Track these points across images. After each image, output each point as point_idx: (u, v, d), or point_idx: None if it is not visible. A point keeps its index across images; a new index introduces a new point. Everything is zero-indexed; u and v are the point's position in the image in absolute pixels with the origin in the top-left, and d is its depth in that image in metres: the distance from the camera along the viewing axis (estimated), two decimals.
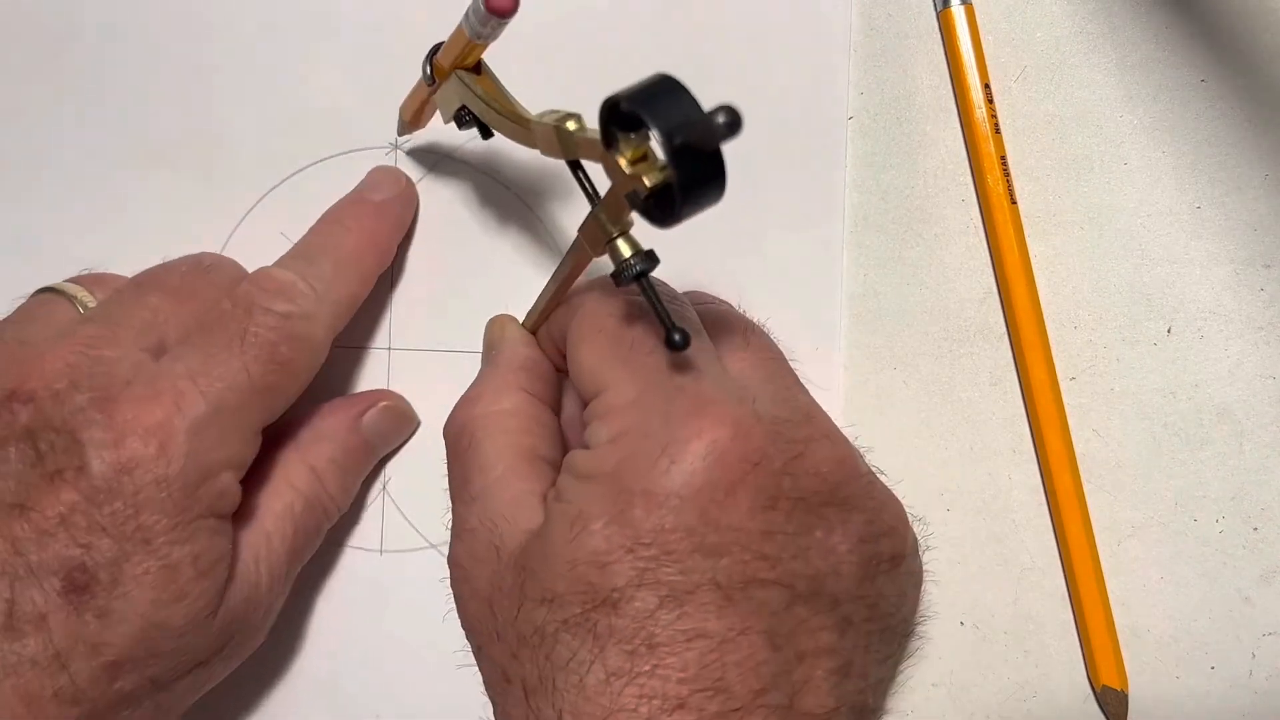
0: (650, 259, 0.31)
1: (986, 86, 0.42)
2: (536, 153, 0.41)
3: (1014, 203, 0.41)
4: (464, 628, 0.34)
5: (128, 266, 0.42)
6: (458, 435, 0.36)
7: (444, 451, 0.40)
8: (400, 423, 0.41)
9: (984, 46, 0.42)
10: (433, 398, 0.42)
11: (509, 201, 0.42)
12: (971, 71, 0.42)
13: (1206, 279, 0.41)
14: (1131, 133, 0.42)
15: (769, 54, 0.42)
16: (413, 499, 0.42)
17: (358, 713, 0.41)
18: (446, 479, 0.37)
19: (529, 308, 0.39)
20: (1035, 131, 0.42)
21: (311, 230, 0.40)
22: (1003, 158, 0.41)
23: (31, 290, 0.39)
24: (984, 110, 0.42)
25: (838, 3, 0.42)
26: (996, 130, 0.42)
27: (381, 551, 0.41)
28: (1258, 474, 0.40)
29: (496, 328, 0.40)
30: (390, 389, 0.42)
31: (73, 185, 0.43)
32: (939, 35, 0.43)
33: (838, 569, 0.31)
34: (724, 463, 0.30)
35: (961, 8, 0.42)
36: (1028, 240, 0.41)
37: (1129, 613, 0.40)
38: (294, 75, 0.43)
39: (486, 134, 0.37)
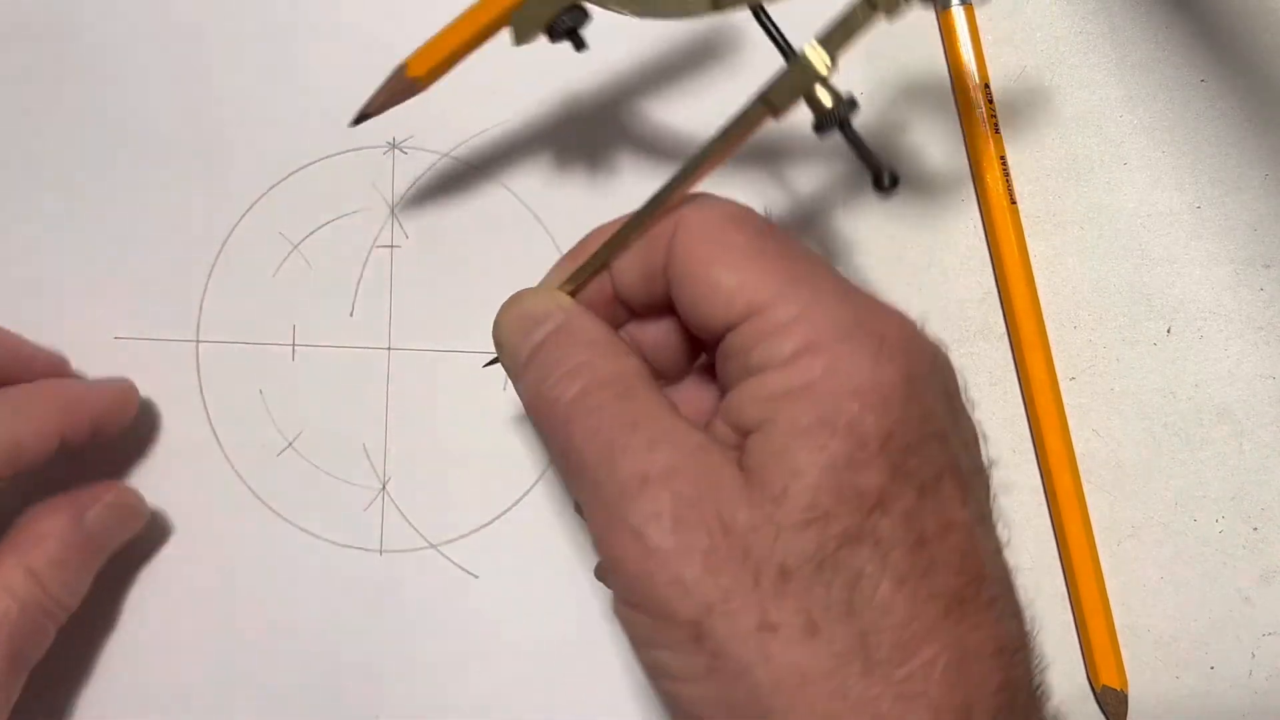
0: (854, 102, 0.30)
1: (986, 86, 0.42)
2: (536, 150, 0.41)
3: (1014, 203, 0.41)
4: (652, 613, 0.29)
5: (127, 267, 0.42)
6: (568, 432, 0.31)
7: (442, 454, 0.41)
8: (127, 516, 0.40)
9: (984, 46, 0.42)
10: (433, 397, 0.42)
11: (508, 201, 0.42)
12: (972, 71, 0.42)
13: (1206, 279, 0.41)
14: (1131, 133, 0.42)
15: (769, 53, 0.42)
16: (412, 500, 0.41)
17: (357, 714, 0.41)
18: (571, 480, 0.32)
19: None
20: (1035, 131, 0.42)
21: None
22: (1002, 157, 0.42)
23: (29, 293, 0.39)
24: (984, 110, 0.42)
25: (839, 3, 0.42)
26: (996, 130, 0.42)
27: (381, 552, 0.41)
28: (1258, 474, 0.40)
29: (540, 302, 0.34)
30: (116, 481, 0.41)
31: (72, 185, 0.43)
32: (939, 35, 0.43)
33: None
34: (921, 353, 0.30)
35: (961, 8, 0.42)
36: (1028, 240, 0.41)
37: (1129, 613, 0.40)
38: (292, 75, 0.43)
39: (581, 44, 0.35)
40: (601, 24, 0.34)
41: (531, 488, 0.41)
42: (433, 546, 0.41)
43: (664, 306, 0.33)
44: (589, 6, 0.34)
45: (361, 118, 0.38)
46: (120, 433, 0.40)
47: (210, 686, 0.41)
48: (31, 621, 0.37)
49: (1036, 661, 0.30)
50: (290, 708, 0.41)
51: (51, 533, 0.38)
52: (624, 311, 0.34)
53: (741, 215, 0.31)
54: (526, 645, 0.41)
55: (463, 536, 0.41)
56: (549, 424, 0.31)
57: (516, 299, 0.34)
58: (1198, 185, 0.42)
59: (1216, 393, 0.41)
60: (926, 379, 0.29)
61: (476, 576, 0.41)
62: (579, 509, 0.36)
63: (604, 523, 0.29)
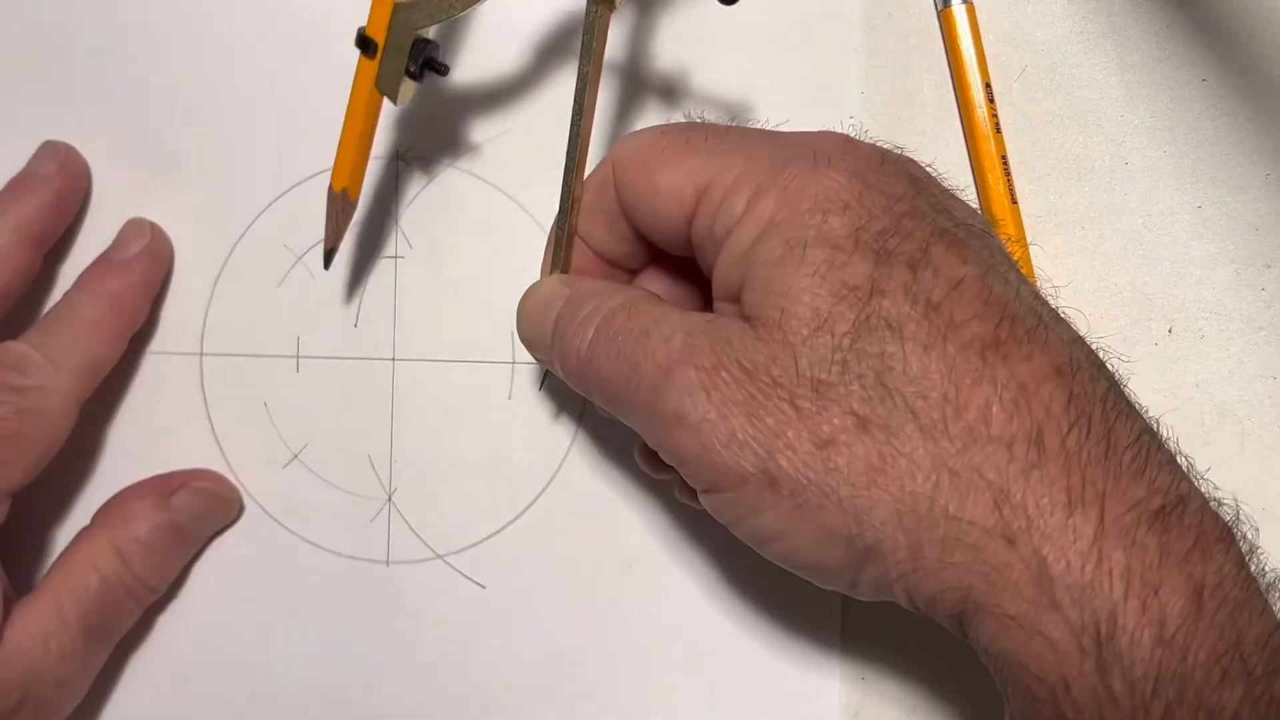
0: None
1: (987, 86, 0.42)
2: (540, 159, 0.41)
3: (1014, 202, 0.41)
4: (726, 484, 0.30)
5: None
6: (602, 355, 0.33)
7: (448, 464, 0.41)
8: (215, 504, 0.41)
9: (985, 46, 0.42)
10: (438, 408, 0.42)
11: (512, 211, 0.42)
12: (972, 71, 0.42)
13: (1208, 279, 0.41)
14: (1132, 132, 0.42)
15: (770, 54, 0.42)
16: (418, 510, 0.42)
17: None
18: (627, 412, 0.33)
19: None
20: (1036, 131, 0.42)
21: (61, 300, 0.40)
22: (1003, 157, 0.41)
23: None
24: (985, 110, 0.41)
25: (839, 3, 0.42)
26: (997, 130, 0.41)
27: (388, 563, 0.42)
28: (1258, 474, 0.40)
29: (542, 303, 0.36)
30: (212, 470, 0.42)
31: None
32: (940, 35, 0.42)
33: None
34: (863, 153, 0.31)
35: (962, 7, 0.42)
36: (1029, 240, 0.41)
37: None
38: (296, 86, 0.43)
39: (444, 70, 0.37)
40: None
41: (538, 497, 0.42)
42: (439, 557, 0.42)
43: (644, 252, 0.36)
44: (429, 33, 0.36)
45: (330, 254, 0.40)
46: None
47: (218, 699, 0.41)
48: (112, 597, 0.39)
49: (1109, 373, 0.30)
50: (298, 717, 0.41)
51: (140, 514, 0.39)
52: (619, 273, 0.37)
53: (663, 128, 0.34)
54: (534, 655, 0.41)
55: (469, 547, 0.42)
56: (583, 378, 0.34)
57: (526, 296, 0.37)
58: (1199, 185, 0.41)
59: (1217, 392, 0.41)
60: (878, 171, 0.31)
61: (484, 587, 0.41)
62: (643, 451, 0.37)
63: (654, 427, 0.31)
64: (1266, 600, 0.27)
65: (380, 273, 0.43)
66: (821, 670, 0.41)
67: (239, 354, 0.42)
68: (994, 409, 0.28)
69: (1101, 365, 0.30)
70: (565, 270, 0.37)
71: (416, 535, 0.42)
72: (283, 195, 0.43)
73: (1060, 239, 0.42)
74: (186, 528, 0.40)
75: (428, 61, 0.36)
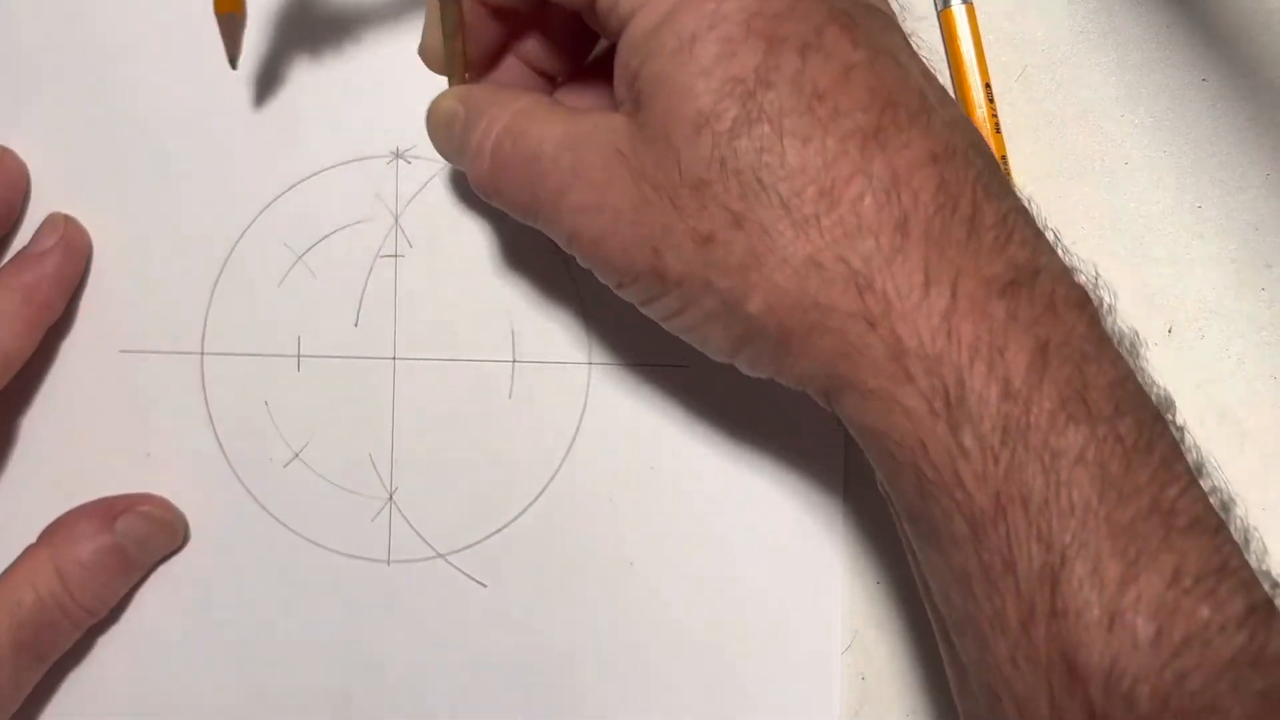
0: None
1: (987, 86, 0.42)
2: None
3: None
4: (628, 279, 0.33)
5: (129, 280, 0.42)
6: (502, 152, 0.35)
7: (449, 463, 0.41)
8: (159, 529, 0.41)
9: (985, 46, 0.42)
10: (439, 407, 0.42)
11: None
12: (972, 71, 0.42)
13: (1208, 279, 0.41)
14: (1132, 132, 0.42)
15: None
16: (419, 509, 0.42)
17: None
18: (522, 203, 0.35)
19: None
20: (1036, 131, 0.42)
21: None
22: (1003, 157, 0.42)
23: None
24: (985, 110, 0.42)
25: None
26: (997, 130, 0.42)
27: (389, 562, 0.42)
28: (1258, 474, 0.41)
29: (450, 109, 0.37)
30: (157, 495, 0.42)
31: (74, 199, 0.43)
32: (940, 35, 0.42)
33: None
34: None
35: (962, 7, 0.42)
36: None
37: None
38: (296, 85, 0.43)
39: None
40: None
41: (539, 496, 0.42)
42: (441, 556, 0.42)
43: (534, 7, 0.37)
44: None
45: (233, 60, 0.40)
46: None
47: (219, 699, 0.41)
48: (47, 616, 0.38)
49: (986, 154, 0.31)
50: (299, 718, 0.41)
51: (83, 535, 0.39)
52: (509, 25, 0.37)
53: None
54: (535, 653, 0.41)
55: (471, 546, 0.42)
56: (490, 198, 0.36)
57: (428, 113, 0.38)
58: (1199, 185, 0.41)
59: (1217, 393, 0.41)
60: None
61: (485, 585, 0.41)
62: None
63: (557, 238, 0.34)
64: (1120, 354, 0.30)
65: (380, 271, 0.42)
66: (821, 670, 0.41)
67: (240, 353, 0.42)
68: (866, 201, 0.29)
69: (979, 146, 0.31)
70: (460, 73, 0.38)
71: (418, 534, 0.42)
72: (282, 194, 0.43)
73: (1060, 239, 0.42)
74: (129, 552, 0.40)
75: None
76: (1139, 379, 0.30)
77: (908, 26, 0.42)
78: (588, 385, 0.42)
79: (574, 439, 0.42)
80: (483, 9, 0.36)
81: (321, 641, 0.41)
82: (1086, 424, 0.27)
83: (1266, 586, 0.28)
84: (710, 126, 0.30)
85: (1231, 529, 0.28)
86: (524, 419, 0.42)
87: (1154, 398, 0.30)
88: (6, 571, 0.39)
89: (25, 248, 0.41)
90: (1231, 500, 0.30)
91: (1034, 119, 0.42)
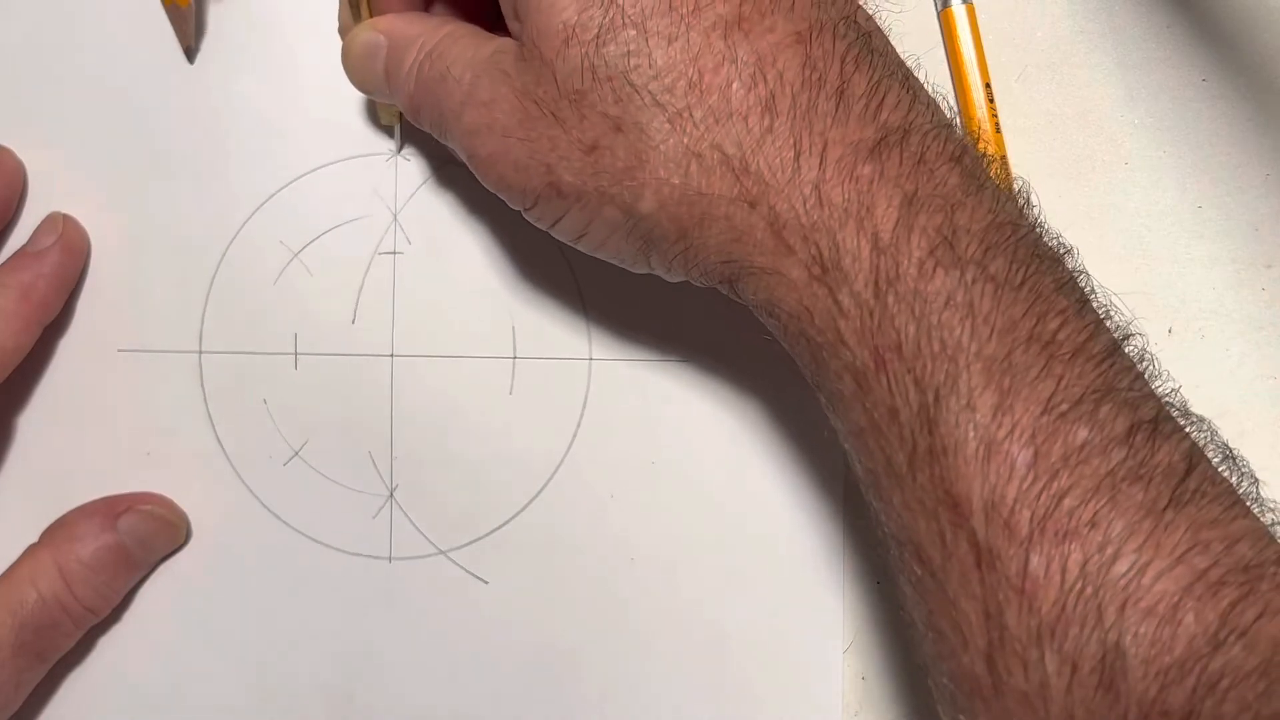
0: None
1: (987, 86, 0.42)
2: None
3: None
4: (530, 199, 0.34)
5: (127, 279, 0.42)
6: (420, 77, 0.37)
7: (449, 460, 0.41)
8: (162, 528, 0.41)
9: (985, 46, 0.42)
10: (438, 404, 0.42)
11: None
12: (972, 71, 0.42)
13: (1208, 279, 0.41)
14: (1132, 132, 0.42)
15: None
16: (420, 506, 0.42)
17: None
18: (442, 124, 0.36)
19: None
20: (1036, 131, 0.42)
21: None
22: (1003, 157, 0.42)
23: None
24: (985, 110, 0.42)
25: None
26: (997, 130, 0.42)
27: (390, 559, 0.41)
28: (1258, 474, 0.41)
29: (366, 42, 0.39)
30: (158, 494, 0.42)
31: (72, 195, 0.42)
32: (940, 35, 0.42)
33: None
34: None
35: (962, 7, 0.42)
36: None
37: None
38: (292, 82, 0.43)
39: None
40: None
41: (540, 492, 0.42)
42: (442, 553, 0.42)
43: None
44: None
45: (189, 51, 0.42)
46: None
47: (221, 696, 0.41)
48: (49, 616, 0.38)
49: (858, 29, 0.32)
50: (302, 715, 0.41)
51: (85, 534, 0.39)
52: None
53: None
54: (537, 650, 0.41)
55: (472, 542, 0.42)
56: (414, 119, 0.37)
57: (345, 49, 0.39)
58: (1199, 185, 0.42)
59: (1218, 393, 0.41)
60: None
61: (486, 582, 0.41)
62: None
63: (463, 155, 0.35)
64: (996, 200, 0.30)
65: (379, 269, 0.42)
66: (822, 670, 0.41)
67: (237, 351, 0.42)
68: (734, 87, 0.30)
69: (853, 19, 0.32)
70: (371, 11, 0.39)
71: (419, 531, 0.41)
72: (277, 192, 0.43)
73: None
74: (132, 551, 0.40)
75: None
76: (1029, 226, 0.30)
77: (907, 26, 0.42)
78: (588, 381, 0.42)
79: (575, 435, 0.42)
80: None
81: (323, 639, 0.41)
82: (955, 268, 0.28)
83: (1177, 416, 0.29)
84: (577, 37, 0.31)
85: (1126, 357, 0.29)
86: (525, 415, 0.42)
87: (1049, 242, 0.30)
88: (8, 571, 0.39)
89: (24, 247, 0.41)
90: (1132, 332, 0.30)
91: (1034, 119, 0.42)
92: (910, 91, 0.31)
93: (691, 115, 0.30)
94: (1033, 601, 0.26)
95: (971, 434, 0.27)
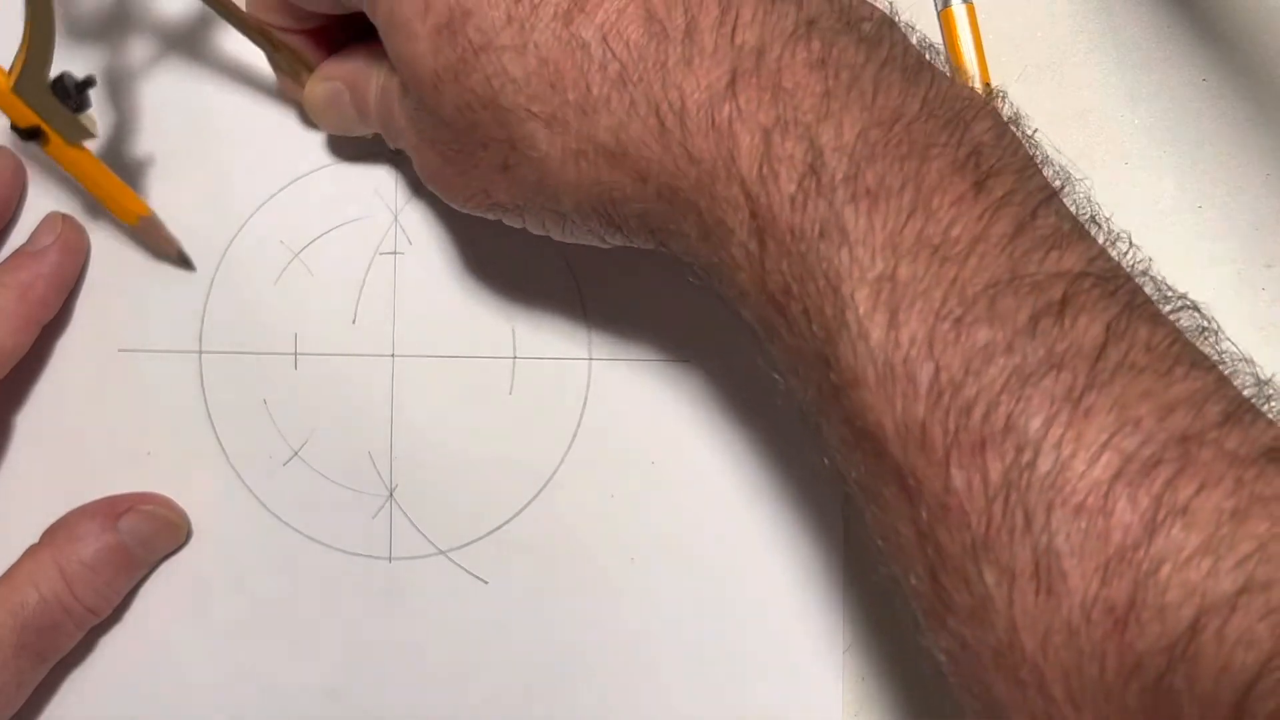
0: None
1: (987, 85, 0.42)
2: None
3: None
4: (468, 206, 0.36)
5: (127, 279, 0.42)
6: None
7: (449, 460, 0.41)
8: (162, 528, 0.41)
9: (985, 46, 0.42)
10: (438, 404, 0.42)
11: None
12: (972, 70, 0.42)
13: (1208, 279, 0.41)
14: (1133, 132, 0.42)
15: None
16: (420, 506, 0.42)
17: None
18: None
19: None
20: (1036, 131, 0.42)
21: None
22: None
23: None
24: None
25: None
26: None
27: (390, 559, 0.41)
28: None
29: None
30: (159, 494, 0.42)
31: (71, 197, 0.42)
32: (940, 34, 0.42)
33: None
34: None
35: (962, 7, 0.42)
36: None
37: None
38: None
39: (88, 82, 0.38)
40: None
41: (540, 492, 0.42)
42: (442, 553, 0.41)
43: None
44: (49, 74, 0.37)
45: (184, 258, 0.42)
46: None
47: (220, 698, 0.41)
48: (51, 617, 0.38)
49: None
50: (301, 715, 0.41)
51: (86, 534, 0.39)
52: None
53: None
54: (537, 651, 0.41)
55: (472, 542, 0.41)
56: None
57: (310, 103, 0.40)
58: (1199, 185, 0.42)
59: None
60: None
61: (486, 582, 0.41)
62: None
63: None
64: (879, 95, 0.28)
65: (379, 269, 0.42)
66: (822, 670, 0.41)
67: (237, 351, 0.42)
68: (589, 74, 0.30)
69: None
70: (309, 65, 0.40)
71: (419, 531, 0.41)
72: (278, 192, 0.43)
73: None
74: (133, 551, 0.40)
75: (77, 88, 0.37)
76: (925, 110, 0.28)
77: (906, 25, 0.42)
78: (588, 381, 0.42)
79: (575, 435, 0.42)
80: (300, 37, 0.39)
81: (323, 639, 0.41)
82: (822, 194, 0.27)
83: (1105, 280, 0.26)
84: (443, 80, 0.31)
85: (1041, 225, 0.27)
86: (525, 415, 0.42)
87: (953, 116, 0.28)
88: (9, 572, 0.39)
89: (22, 246, 0.41)
90: (1068, 180, 0.29)
91: (1034, 118, 0.42)
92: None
93: (563, 116, 0.30)
94: (962, 518, 0.25)
95: (869, 363, 0.26)
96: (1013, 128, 0.29)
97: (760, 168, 0.27)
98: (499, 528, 0.42)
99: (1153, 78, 0.42)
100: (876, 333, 0.26)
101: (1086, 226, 0.28)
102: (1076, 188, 0.29)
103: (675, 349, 0.42)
